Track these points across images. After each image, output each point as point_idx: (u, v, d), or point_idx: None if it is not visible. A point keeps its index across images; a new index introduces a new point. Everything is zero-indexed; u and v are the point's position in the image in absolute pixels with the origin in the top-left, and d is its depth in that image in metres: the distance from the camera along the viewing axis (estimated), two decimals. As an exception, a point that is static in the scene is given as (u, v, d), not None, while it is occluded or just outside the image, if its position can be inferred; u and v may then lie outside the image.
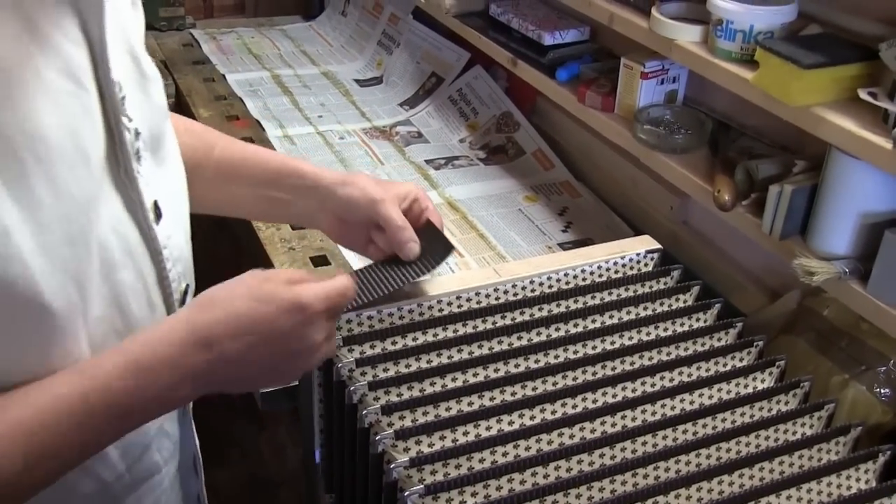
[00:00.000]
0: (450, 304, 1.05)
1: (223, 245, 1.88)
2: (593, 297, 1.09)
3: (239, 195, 1.07)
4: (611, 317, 1.07)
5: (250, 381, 0.85)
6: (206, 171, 1.04)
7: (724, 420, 0.95)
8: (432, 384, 0.96)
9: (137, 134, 0.80)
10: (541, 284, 1.10)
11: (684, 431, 0.93)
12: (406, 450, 0.88)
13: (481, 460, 0.88)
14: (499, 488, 0.85)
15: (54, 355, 0.72)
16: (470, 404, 0.94)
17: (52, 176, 0.69)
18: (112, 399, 0.73)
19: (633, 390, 0.98)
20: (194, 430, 1.06)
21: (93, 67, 0.75)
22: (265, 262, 1.56)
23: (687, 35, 1.28)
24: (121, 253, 0.78)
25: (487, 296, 1.07)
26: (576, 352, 1.02)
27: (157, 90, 0.87)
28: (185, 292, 0.90)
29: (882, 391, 1.14)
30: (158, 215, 0.83)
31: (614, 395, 0.97)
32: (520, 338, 1.03)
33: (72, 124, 0.72)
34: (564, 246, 1.63)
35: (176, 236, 0.87)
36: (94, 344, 0.75)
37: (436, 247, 1.03)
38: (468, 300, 1.06)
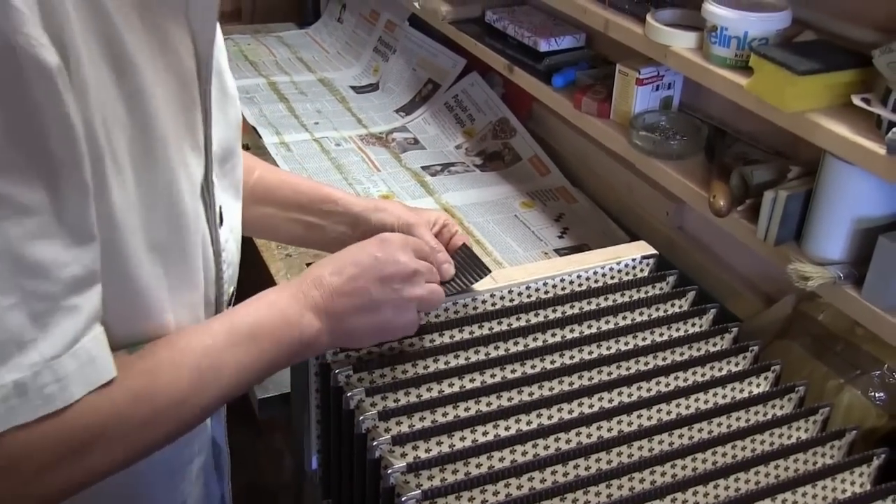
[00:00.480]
0: (446, 309, 1.05)
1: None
2: (589, 303, 1.09)
3: (272, 217, 1.11)
4: (607, 322, 1.07)
5: (365, 317, 0.90)
6: (244, 192, 1.07)
7: (719, 424, 0.96)
8: (429, 390, 0.96)
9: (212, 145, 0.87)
10: (537, 290, 1.11)
11: (680, 436, 0.94)
12: (403, 455, 0.88)
13: (478, 465, 0.88)
14: (495, 493, 0.85)
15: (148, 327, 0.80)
16: (467, 410, 0.94)
17: (168, 169, 0.78)
18: (254, 326, 0.84)
19: (629, 395, 0.98)
20: (225, 431, 1.11)
21: (198, 80, 0.81)
22: (262, 269, 1.56)
23: (682, 41, 1.29)
24: (195, 248, 0.84)
25: (484, 301, 1.07)
26: (572, 357, 1.02)
27: (233, 108, 0.95)
28: (232, 295, 0.96)
29: (877, 395, 1.15)
30: (221, 220, 0.90)
31: (610, 400, 0.97)
32: (516, 343, 1.03)
33: (185, 129, 0.80)
34: (561, 252, 1.63)
35: (230, 242, 0.93)
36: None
37: (470, 268, 1.06)
38: (464, 306, 1.06)
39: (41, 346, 0.68)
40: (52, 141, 0.66)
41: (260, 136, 2.02)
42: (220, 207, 0.90)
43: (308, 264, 1.53)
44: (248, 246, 1.64)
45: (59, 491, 0.73)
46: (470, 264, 1.07)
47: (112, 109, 0.71)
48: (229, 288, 0.95)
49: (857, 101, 1.04)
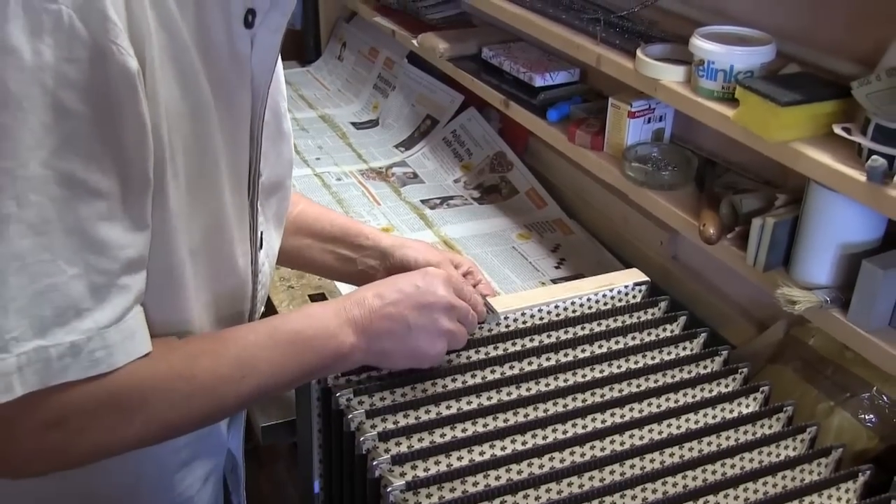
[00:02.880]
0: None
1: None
2: (583, 328, 1.12)
3: (309, 248, 1.18)
4: (600, 346, 1.10)
5: (399, 340, 0.97)
6: (287, 224, 1.14)
7: (709, 443, 0.98)
8: (427, 412, 0.99)
9: (259, 176, 0.95)
10: (532, 316, 1.14)
11: (671, 454, 0.96)
12: (402, 474, 0.91)
13: (475, 483, 0.91)
14: (492, 510, 0.88)
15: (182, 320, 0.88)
16: (464, 430, 0.97)
17: (218, 192, 0.88)
18: (295, 332, 0.91)
19: (622, 416, 1.01)
20: (242, 443, 1.18)
21: (251, 116, 0.90)
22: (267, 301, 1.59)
23: (671, 75, 1.33)
24: (236, 264, 0.93)
25: (480, 327, 1.10)
26: (566, 380, 1.05)
27: (287, 147, 1.05)
28: (260, 314, 1.04)
29: (867, 417, 1.17)
30: (260, 244, 0.99)
31: (603, 421, 1.00)
32: (512, 367, 1.06)
33: (232, 154, 0.88)
34: (557, 282, 1.66)
35: (266, 265, 1.02)
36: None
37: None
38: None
39: (96, 316, 0.76)
40: (127, 136, 0.74)
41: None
42: (262, 233, 0.99)
43: (310, 296, 1.57)
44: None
45: (98, 450, 0.82)
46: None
47: (176, 120, 0.79)
48: (260, 307, 1.03)
49: (838, 130, 1.07)
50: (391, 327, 0.95)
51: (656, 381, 1.06)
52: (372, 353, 0.96)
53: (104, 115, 0.72)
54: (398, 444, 0.94)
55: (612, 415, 1.01)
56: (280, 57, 1.02)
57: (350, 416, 0.96)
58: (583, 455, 0.96)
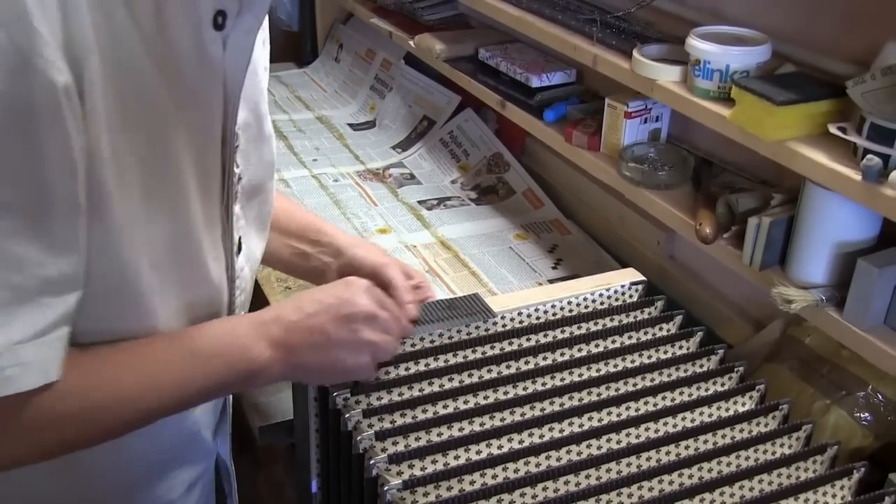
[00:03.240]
0: (441, 335, 1.09)
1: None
2: (579, 327, 1.13)
3: (271, 242, 1.15)
4: (596, 345, 1.11)
5: (319, 354, 0.93)
6: None
7: (705, 441, 0.99)
8: (424, 411, 0.99)
9: (239, 179, 0.95)
10: (529, 316, 1.14)
11: (667, 453, 0.97)
12: (399, 473, 0.91)
13: (472, 482, 0.91)
14: (489, 509, 0.89)
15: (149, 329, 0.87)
16: (461, 430, 0.97)
17: (183, 200, 0.85)
18: (208, 346, 0.89)
19: (618, 415, 1.01)
20: (230, 450, 1.16)
21: (223, 118, 0.88)
22: (263, 301, 1.59)
23: (667, 75, 1.33)
24: (208, 270, 0.91)
25: (477, 326, 1.11)
26: (563, 379, 1.05)
27: (268, 149, 1.02)
28: None
29: (862, 416, 1.18)
30: (239, 249, 0.97)
31: (600, 420, 1.00)
32: (508, 367, 1.06)
33: (199, 158, 0.86)
34: (554, 282, 1.67)
35: (246, 270, 1.00)
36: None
37: (427, 317, 1.10)
38: (458, 331, 1.10)
39: (6, 330, 0.74)
40: (48, 154, 0.72)
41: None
42: (240, 238, 0.97)
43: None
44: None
45: (12, 460, 0.81)
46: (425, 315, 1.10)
47: (126, 134, 0.77)
48: (240, 312, 1.01)
49: (833, 129, 1.08)
50: (309, 340, 0.92)
51: (652, 380, 1.06)
52: (291, 367, 0.92)
53: (20, 129, 0.70)
54: (395, 443, 0.95)
55: (609, 413, 1.01)
56: (267, 60, 1.02)
57: (347, 415, 0.96)
58: (579, 454, 0.96)
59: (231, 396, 1.15)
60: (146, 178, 0.80)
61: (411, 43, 2.13)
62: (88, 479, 0.96)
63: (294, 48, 2.82)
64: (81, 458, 0.85)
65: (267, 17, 0.93)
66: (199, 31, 0.81)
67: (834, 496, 0.94)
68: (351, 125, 2.40)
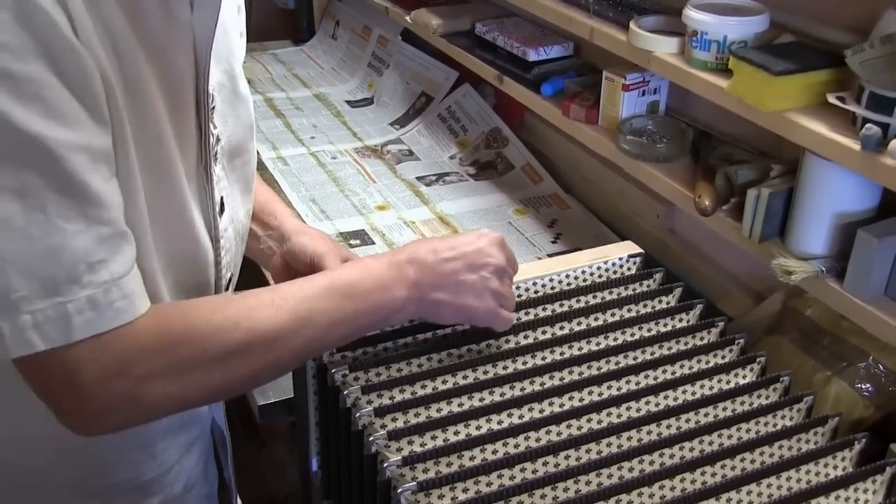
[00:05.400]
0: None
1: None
2: (578, 301, 1.12)
3: None
4: (595, 319, 1.10)
5: (449, 295, 0.97)
6: None
7: (706, 414, 0.98)
8: (423, 387, 0.99)
9: (218, 140, 0.96)
10: (527, 290, 1.14)
11: (668, 426, 0.96)
12: (399, 450, 0.91)
13: (472, 458, 0.91)
14: (489, 484, 0.88)
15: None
16: (460, 405, 0.97)
17: (164, 155, 0.87)
18: (350, 286, 0.92)
19: (619, 388, 1.01)
20: (224, 415, 1.18)
21: (195, 78, 0.89)
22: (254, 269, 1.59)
23: (664, 47, 1.32)
24: (192, 229, 0.93)
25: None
26: (562, 353, 1.05)
27: (245, 109, 1.04)
28: (230, 280, 1.05)
29: (863, 387, 1.18)
30: (222, 209, 0.99)
31: (600, 394, 1.00)
32: (507, 341, 1.06)
33: (176, 118, 0.88)
34: (554, 257, 1.66)
35: (230, 231, 1.02)
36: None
37: None
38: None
39: (111, 267, 0.78)
40: (74, 79, 0.74)
41: (257, 152, 2.05)
42: (223, 198, 0.98)
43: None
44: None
45: (167, 399, 0.82)
46: None
47: (116, 81, 0.79)
48: (227, 273, 1.03)
49: (832, 99, 1.07)
50: (442, 282, 0.96)
51: (653, 354, 1.06)
52: (424, 305, 0.96)
53: (51, 64, 0.72)
54: (394, 419, 0.94)
55: (609, 387, 1.01)
56: (243, 26, 1.05)
57: (345, 392, 0.96)
58: (579, 428, 0.95)
59: None
60: (136, 137, 0.82)
61: (408, 18, 2.12)
62: (90, 445, 0.95)
63: (291, 26, 2.81)
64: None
65: None
66: None
67: (835, 467, 0.94)
68: (349, 102, 2.39)
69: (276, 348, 0.87)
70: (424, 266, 0.96)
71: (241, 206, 1.06)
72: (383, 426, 0.93)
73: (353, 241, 1.71)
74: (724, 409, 1.00)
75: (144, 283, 0.83)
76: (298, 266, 1.11)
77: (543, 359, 1.04)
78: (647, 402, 0.99)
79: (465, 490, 0.87)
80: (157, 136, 0.85)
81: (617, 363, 1.04)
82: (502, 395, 0.99)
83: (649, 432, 0.96)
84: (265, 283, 1.09)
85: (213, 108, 0.94)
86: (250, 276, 1.18)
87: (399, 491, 0.85)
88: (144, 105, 0.83)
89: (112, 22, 0.78)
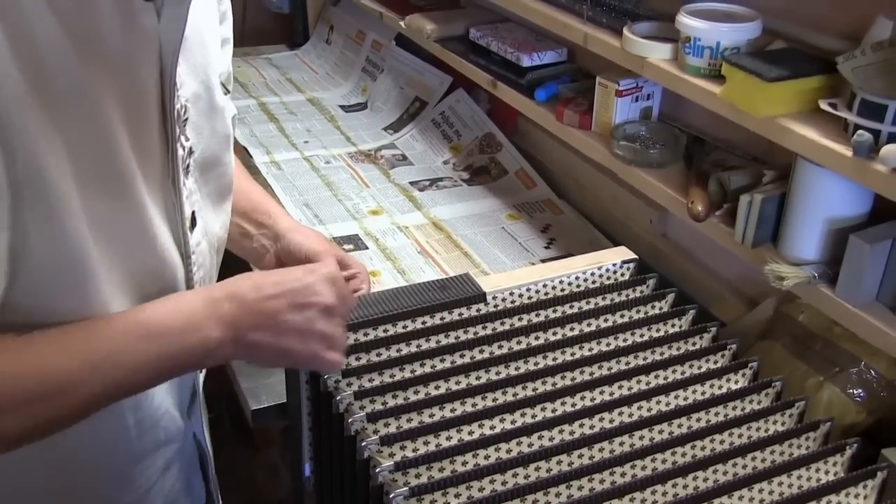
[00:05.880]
0: (432, 316, 1.08)
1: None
2: (571, 306, 1.12)
3: None
4: (588, 325, 1.10)
5: (270, 338, 0.89)
6: None
7: (698, 419, 0.99)
8: (416, 392, 0.99)
9: (191, 152, 0.92)
10: (520, 296, 1.14)
11: (660, 431, 0.97)
12: (391, 455, 0.91)
13: (464, 463, 0.91)
14: (481, 489, 0.88)
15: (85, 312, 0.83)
16: (452, 411, 0.97)
17: (120, 175, 0.83)
18: (158, 326, 0.84)
19: (611, 394, 1.01)
20: (204, 429, 1.14)
21: (159, 90, 0.86)
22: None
23: (657, 53, 1.32)
24: (155, 244, 0.89)
25: (469, 307, 1.10)
26: (555, 359, 1.05)
27: (222, 121, 1.00)
28: None
29: (855, 392, 1.18)
30: (193, 224, 0.94)
31: (592, 399, 1.00)
32: (500, 347, 1.06)
33: (137, 132, 0.84)
34: (547, 262, 1.66)
35: (203, 245, 0.98)
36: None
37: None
38: (449, 312, 1.09)
39: None
40: None
41: (251, 156, 2.06)
42: (193, 212, 0.95)
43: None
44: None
45: None
46: None
47: (49, 113, 0.75)
48: (200, 287, 0.98)
49: (824, 105, 1.07)
50: (262, 322, 0.88)
51: (645, 359, 1.06)
52: (241, 348, 0.88)
53: None
54: (387, 424, 0.94)
55: (602, 392, 1.01)
56: (229, 33, 1.04)
57: (338, 397, 0.96)
58: (572, 433, 0.96)
59: (202, 376, 1.15)
60: (78, 156, 0.78)
61: (402, 23, 2.12)
62: (63, 466, 0.94)
63: (285, 30, 2.80)
64: (56, 443, 0.84)
65: None
66: (129, 2, 0.80)
67: (827, 472, 0.94)
68: (343, 107, 2.39)
69: (70, 395, 0.80)
70: (243, 304, 0.87)
71: (216, 219, 1.02)
72: (376, 431, 0.94)
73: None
74: (717, 414, 1.00)
75: (90, 300, 0.82)
76: (293, 264, 1.09)
77: (536, 364, 1.04)
78: (640, 408, 0.99)
79: (457, 495, 0.88)
80: (108, 150, 0.81)
81: (610, 368, 1.04)
82: (495, 400, 0.99)
83: (642, 437, 0.96)
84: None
85: (186, 119, 0.91)
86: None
87: (391, 496, 0.85)
88: (89, 120, 0.79)
89: (35, 36, 0.74)
